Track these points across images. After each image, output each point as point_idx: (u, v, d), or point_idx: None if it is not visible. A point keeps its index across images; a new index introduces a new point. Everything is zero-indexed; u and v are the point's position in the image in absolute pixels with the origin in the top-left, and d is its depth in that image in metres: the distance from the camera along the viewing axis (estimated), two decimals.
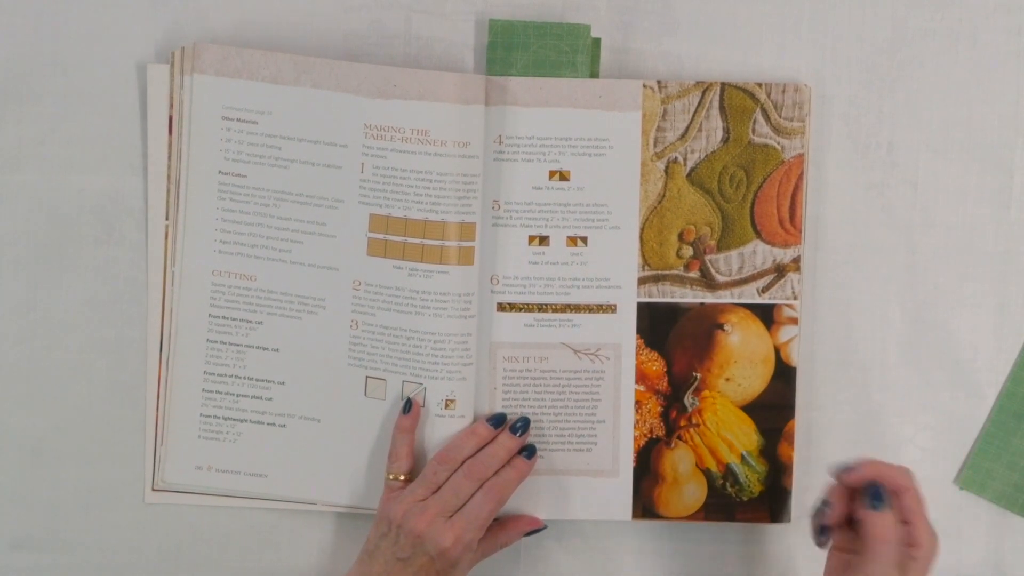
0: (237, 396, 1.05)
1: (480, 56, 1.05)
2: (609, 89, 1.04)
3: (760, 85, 1.04)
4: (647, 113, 1.04)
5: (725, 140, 1.04)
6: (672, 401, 1.06)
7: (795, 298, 1.05)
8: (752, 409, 1.06)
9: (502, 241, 1.04)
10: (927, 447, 1.07)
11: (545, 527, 1.05)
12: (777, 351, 1.05)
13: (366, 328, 1.04)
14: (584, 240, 1.04)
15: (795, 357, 1.05)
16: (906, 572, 0.92)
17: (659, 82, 1.04)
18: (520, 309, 1.05)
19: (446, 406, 1.03)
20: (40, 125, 1.06)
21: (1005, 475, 1.06)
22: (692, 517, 1.06)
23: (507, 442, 1.02)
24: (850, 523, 0.95)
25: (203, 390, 1.05)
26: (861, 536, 0.92)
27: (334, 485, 1.05)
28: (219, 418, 1.05)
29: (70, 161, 1.06)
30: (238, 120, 1.03)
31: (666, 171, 1.04)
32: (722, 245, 1.05)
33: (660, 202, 1.05)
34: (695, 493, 1.06)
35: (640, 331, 1.05)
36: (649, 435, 1.06)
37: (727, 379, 1.05)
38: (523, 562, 1.07)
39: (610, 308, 1.05)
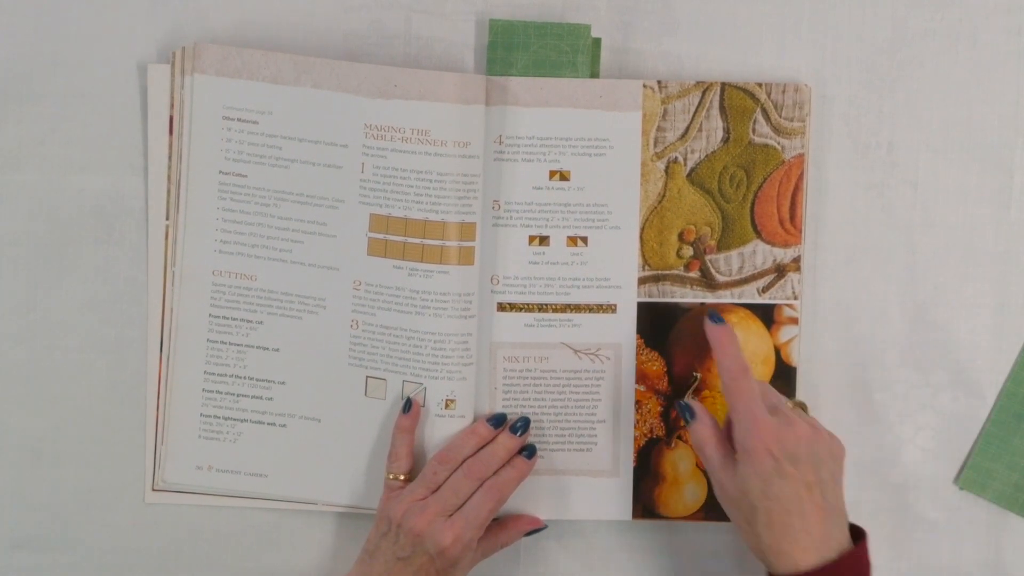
0: (237, 396, 1.05)
1: (480, 56, 1.05)
2: (609, 89, 1.04)
3: (760, 85, 1.04)
4: (647, 113, 1.04)
5: (725, 140, 1.04)
6: (672, 401, 1.06)
7: (795, 298, 1.05)
8: None
9: (502, 241, 1.04)
10: (927, 447, 1.07)
11: (545, 527, 1.05)
12: (777, 351, 1.05)
13: (366, 328, 1.04)
14: (584, 240, 1.04)
15: (795, 357, 1.05)
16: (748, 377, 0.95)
17: (659, 82, 1.04)
18: (520, 309, 1.05)
19: (446, 406, 1.03)
20: (40, 125, 1.06)
21: (1005, 475, 1.06)
22: (692, 517, 1.06)
23: (507, 442, 1.02)
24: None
25: (203, 390, 1.05)
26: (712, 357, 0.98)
27: (334, 485, 1.05)
28: (219, 418, 1.05)
29: (70, 161, 1.06)
30: (238, 120, 1.03)
31: (666, 171, 1.04)
32: (722, 245, 1.05)
33: (660, 202, 1.05)
34: (695, 493, 1.06)
35: (640, 331, 1.05)
36: (649, 435, 1.06)
37: None
38: (523, 562, 1.07)
39: (610, 308, 1.05)
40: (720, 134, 1.04)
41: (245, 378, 1.05)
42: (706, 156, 1.04)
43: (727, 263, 1.05)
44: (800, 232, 1.05)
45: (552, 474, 1.05)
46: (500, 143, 1.03)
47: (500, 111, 1.03)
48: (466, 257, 1.03)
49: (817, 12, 1.06)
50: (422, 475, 1.01)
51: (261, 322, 1.05)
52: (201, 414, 1.05)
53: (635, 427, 1.05)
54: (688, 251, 1.05)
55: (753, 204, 1.05)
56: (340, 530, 1.07)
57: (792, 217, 1.05)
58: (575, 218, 1.04)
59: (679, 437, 1.05)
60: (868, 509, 1.07)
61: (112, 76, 1.05)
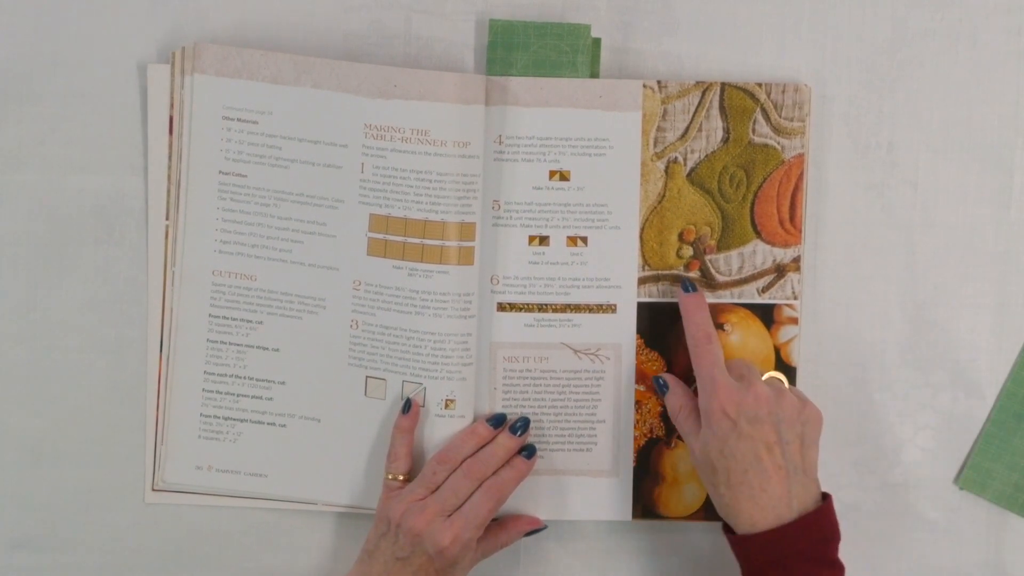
0: (237, 396, 1.05)
1: (480, 56, 1.05)
2: (609, 89, 1.04)
3: (760, 85, 1.04)
4: (647, 113, 1.04)
5: (725, 140, 1.04)
6: None
7: (795, 298, 1.05)
8: None
9: (502, 241, 1.04)
10: (927, 447, 1.07)
11: (545, 527, 1.05)
12: (777, 351, 1.05)
13: (366, 328, 1.04)
14: (584, 240, 1.04)
15: (795, 357, 1.05)
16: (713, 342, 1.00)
17: (659, 82, 1.04)
18: (520, 309, 1.05)
19: (446, 406, 1.03)
20: (40, 125, 1.06)
21: (1005, 475, 1.06)
22: (692, 517, 1.06)
23: (507, 442, 1.02)
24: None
25: (203, 390, 1.05)
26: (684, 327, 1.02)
27: (334, 485, 1.05)
28: (219, 418, 1.05)
29: (70, 161, 1.06)
30: (238, 120, 1.03)
31: (666, 171, 1.04)
32: (722, 245, 1.05)
33: (660, 202, 1.05)
34: (695, 493, 1.06)
35: (640, 331, 1.05)
36: (649, 435, 1.06)
37: None
38: (523, 562, 1.07)
39: (610, 308, 1.05)
40: (720, 134, 1.04)
41: (245, 378, 1.05)
42: (706, 156, 1.04)
43: (727, 263, 1.05)
44: (800, 232, 1.05)
45: (552, 474, 1.05)
46: (500, 143, 1.03)
47: (500, 111, 1.03)
48: (466, 257, 1.03)
49: (817, 12, 1.06)
50: (421, 475, 1.01)
51: (261, 322, 1.05)
52: (201, 414, 1.05)
53: (635, 427, 1.05)
54: (688, 251, 1.05)
55: (753, 204, 1.05)
56: (340, 530, 1.07)
57: (792, 217, 1.05)
58: (575, 218, 1.04)
59: (679, 437, 1.05)
60: (868, 509, 1.07)
61: (112, 76, 1.05)
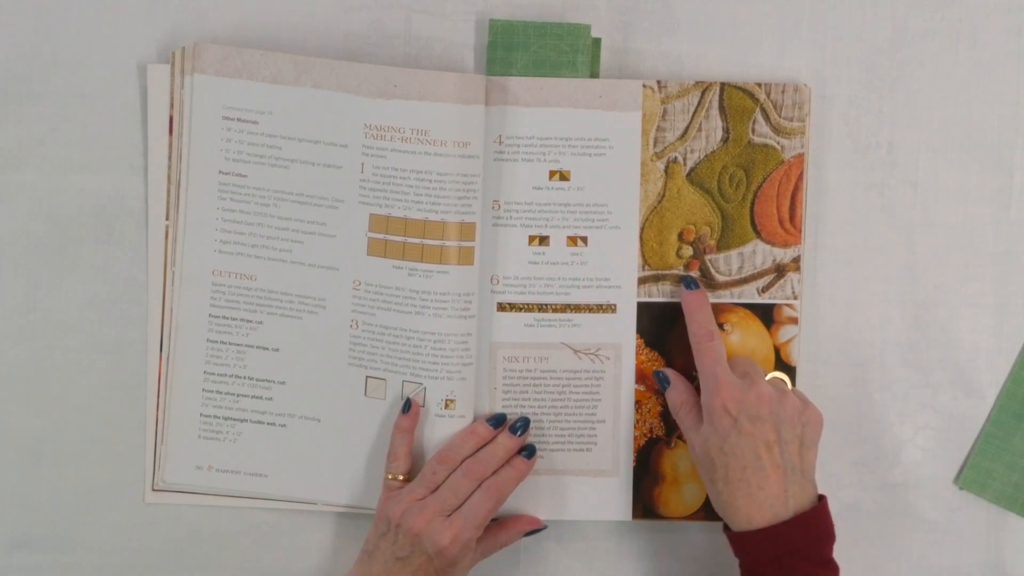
0: (237, 396, 1.05)
1: (480, 56, 1.05)
2: (609, 89, 1.04)
3: (760, 85, 1.04)
4: (647, 113, 1.04)
5: (725, 140, 1.04)
6: None
7: (795, 298, 1.05)
8: None
9: (502, 241, 1.04)
10: (927, 447, 1.07)
11: (545, 527, 1.05)
12: (777, 351, 1.05)
13: (366, 328, 1.04)
14: (584, 240, 1.04)
15: (795, 357, 1.05)
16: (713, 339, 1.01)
17: (659, 82, 1.04)
18: (520, 309, 1.05)
19: (446, 406, 1.03)
20: (40, 125, 1.06)
21: (1005, 475, 1.06)
22: (692, 517, 1.06)
23: (506, 442, 1.02)
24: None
25: (203, 390, 1.05)
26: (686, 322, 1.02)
27: (334, 485, 1.05)
28: (219, 418, 1.05)
29: (70, 161, 1.06)
30: (238, 120, 1.03)
31: (666, 171, 1.04)
32: (722, 245, 1.05)
33: (660, 202, 1.05)
34: (695, 493, 1.06)
35: (640, 331, 1.05)
36: (649, 435, 1.06)
37: None
38: (523, 562, 1.07)
39: (610, 308, 1.05)
40: (720, 134, 1.04)
41: (245, 378, 1.05)
42: (706, 156, 1.04)
43: (727, 263, 1.05)
44: (800, 232, 1.05)
45: (552, 474, 1.05)
46: (500, 143, 1.03)
47: (500, 111, 1.03)
48: (466, 257, 1.03)
49: (817, 12, 1.06)
50: (421, 475, 1.01)
51: (261, 322, 1.05)
52: (201, 414, 1.05)
53: (635, 427, 1.05)
54: (688, 251, 1.05)
55: (753, 204, 1.05)
56: (340, 530, 1.07)
57: (792, 217, 1.05)
58: (575, 218, 1.04)
59: (679, 437, 1.05)
60: (868, 509, 1.07)
61: (112, 76, 1.05)
